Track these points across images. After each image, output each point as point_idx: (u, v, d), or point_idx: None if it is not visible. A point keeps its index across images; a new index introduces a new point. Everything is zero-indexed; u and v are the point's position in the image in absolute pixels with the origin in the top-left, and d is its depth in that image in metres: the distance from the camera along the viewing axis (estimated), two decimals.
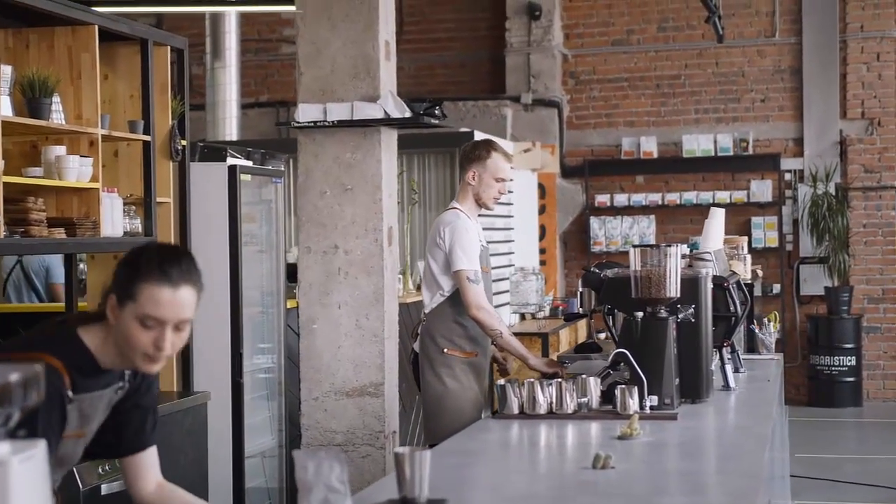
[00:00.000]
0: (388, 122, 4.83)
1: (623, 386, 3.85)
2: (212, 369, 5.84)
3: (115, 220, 5.02)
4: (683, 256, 4.56)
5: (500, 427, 3.80)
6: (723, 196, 11.43)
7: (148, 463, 2.72)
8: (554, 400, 3.87)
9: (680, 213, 11.66)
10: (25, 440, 1.72)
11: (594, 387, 3.93)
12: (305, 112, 4.85)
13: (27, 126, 4.72)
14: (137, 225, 5.27)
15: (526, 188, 10.61)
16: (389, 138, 4.99)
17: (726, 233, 6.11)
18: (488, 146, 5.00)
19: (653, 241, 11.29)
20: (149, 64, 5.39)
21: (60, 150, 4.85)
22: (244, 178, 6.00)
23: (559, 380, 3.94)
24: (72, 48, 5.01)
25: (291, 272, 5.92)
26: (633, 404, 3.81)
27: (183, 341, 2.50)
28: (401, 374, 5.19)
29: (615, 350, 4.02)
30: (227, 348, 5.89)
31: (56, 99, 4.82)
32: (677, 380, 3.99)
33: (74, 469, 4.17)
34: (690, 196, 11.56)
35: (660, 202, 11.63)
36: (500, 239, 9.28)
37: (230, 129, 10.55)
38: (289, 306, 6.43)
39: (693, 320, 4.15)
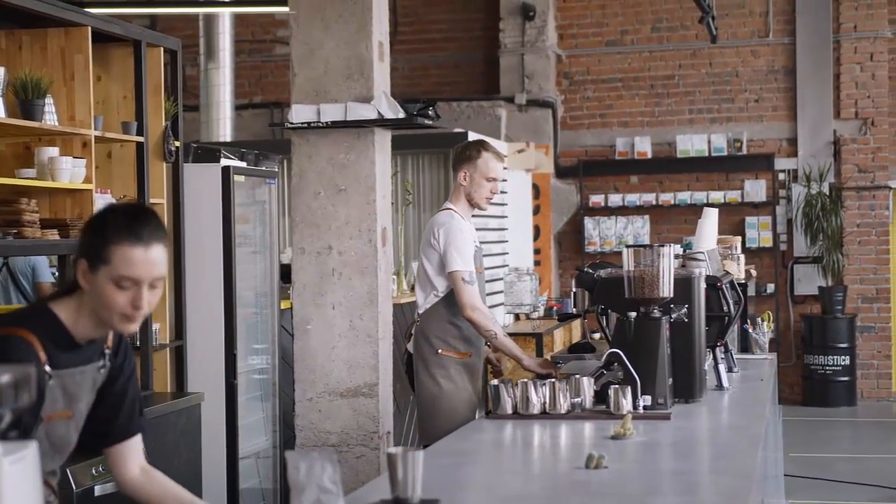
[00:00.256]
0: (381, 122, 4.83)
1: (616, 386, 3.86)
2: (206, 370, 5.84)
3: None
4: (677, 256, 4.57)
5: (494, 427, 3.80)
6: (717, 196, 11.44)
7: (134, 448, 2.73)
8: (547, 400, 3.87)
9: (674, 214, 11.67)
10: (17, 441, 1.72)
11: (588, 387, 3.93)
12: (299, 113, 4.85)
13: (20, 127, 4.72)
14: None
15: (520, 188, 10.62)
16: (383, 139, 4.99)
17: (720, 233, 6.12)
18: (479, 146, 5.01)
19: (647, 242, 11.29)
20: (142, 65, 5.39)
21: (53, 151, 4.84)
22: (238, 179, 6.00)
23: (553, 380, 3.94)
24: (65, 49, 5.00)
25: (285, 273, 5.93)
26: (627, 404, 3.81)
27: (157, 298, 2.51)
28: (395, 374, 5.19)
29: (608, 350, 4.02)
30: (220, 349, 5.89)
31: (49, 100, 4.82)
32: (670, 380, 3.99)
33: (68, 470, 4.17)
34: (684, 196, 11.57)
35: (654, 202, 11.64)
36: (495, 239, 9.29)
37: (224, 130, 10.55)
38: (283, 307, 6.43)
39: (686, 320, 4.16)
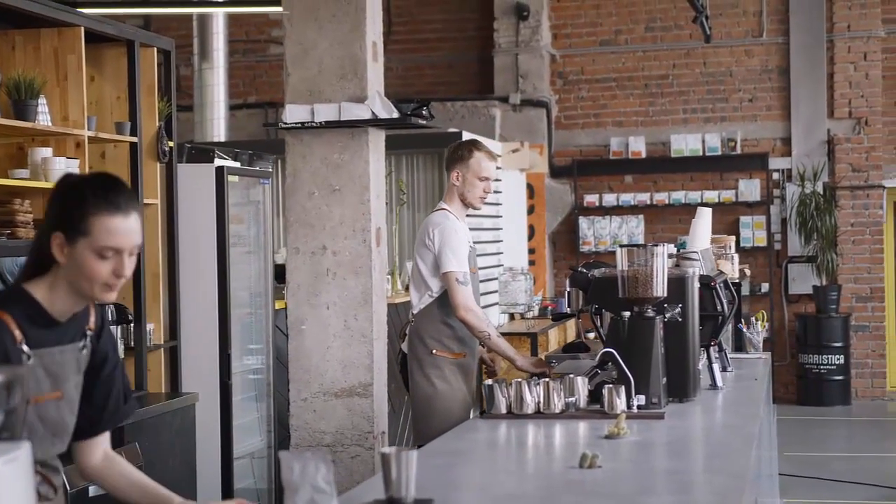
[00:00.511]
0: (375, 122, 4.83)
1: (610, 385, 3.86)
2: (200, 370, 5.84)
3: None
4: (670, 256, 4.57)
5: (488, 427, 3.80)
6: (711, 196, 11.45)
7: (105, 436, 2.73)
8: (541, 399, 3.87)
9: (668, 213, 11.68)
10: (9, 442, 1.71)
11: (582, 386, 3.93)
12: (293, 113, 4.85)
13: (13, 128, 4.72)
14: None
15: (514, 188, 10.62)
16: (377, 139, 4.99)
17: (715, 232, 6.13)
18: (470, 146, 5.01)
19: (642, 241, 11.30)
20: (135, 65, 5.39)
21: (47, 151, 4.84)
22: (232, 179, 5.99)
23: (547, 379, 3.95)
24: (58, 50, 5.00)
25: (280, 273, 5.92)
26: (621, 404, 3.82)
27: (133, 265, 2.52)
28: (389, 374, 5.19)
29: (603, 350, 4.02)
30: (215, 349, 5.89)
31: (42, 101, 4.81)
32: (664, 379, 3.99)
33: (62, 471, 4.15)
34: (679, 196, 11.58)
35: (648, 202, 11.65)
36: (489, 239, 9.29)
37: (218, 130, 10.54)
38: (277, 307, 6.43)
39: (680, 320, 4.16)
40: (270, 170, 7.01)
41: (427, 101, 5.06)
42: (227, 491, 5.91)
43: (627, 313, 4.00)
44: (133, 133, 5.36)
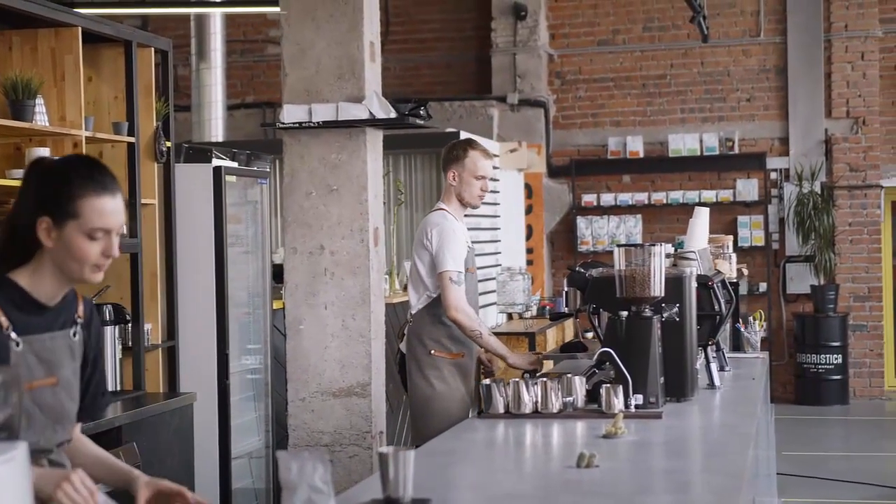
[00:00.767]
0: (373, 122, 4.83)
1: (608, 385, 3.86)
2: (198, 370, 5.83)
3: None
4: (668, 256, 4.57)
5: (486, 426, 3.80)
6: (709, 195, 11.45)
7: (77, 425, 2.74)
8: (539, 399, 3.87)
9: (666, 213, 11.68)
10: (6, 442, 1.72)
11: (579, 386, 3.93)
12: (290, 113, 4.85)
13: (11, 128, 4.71)
14: (123, 229, 5.25)
15: (512, 188, 10.62)
16: (375, 139, 4.99)
17: (713, 232, 6.13)
18: (465, 145, 5.02)
19: (639, 241, 11.30)
20: (133, 65, 5.38)
21: (44, 152, 4.84)
22: (229, 179, 5.99)
23: (545, 379, 3.94)
24: (55, 50, 5.00)
25: (277, 273, 5.92)
26: (618, 403, 3.82)
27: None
28: (387, 374, 5.19)
29: (600, 349, 4.02)
30: (213, 349, 5.89)
31: (40, 101, 4.81)
32: (662, 379, 4.00)
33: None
34: (677, 195, 11.58)
35: (646, 202, 11.65)
36: (487, 239, 9.29)
37: (216, 130, 10.54)
38: (275, 307, 6.43)
39: (677, 319, 4.16)
40: (268, 170, 7.00)
41: (425, 101, 5.06)
42: (225, 491, 5.91)
43: (625, 313, 4.00)
44: (130, 133, 5.36)
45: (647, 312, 4.01)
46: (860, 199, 11.46)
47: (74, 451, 2.73)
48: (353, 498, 2.68)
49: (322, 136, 4.88)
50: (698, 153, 11.61)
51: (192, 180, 5.87)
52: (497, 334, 8.08)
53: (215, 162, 6.06)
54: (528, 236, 11.22)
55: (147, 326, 5.51)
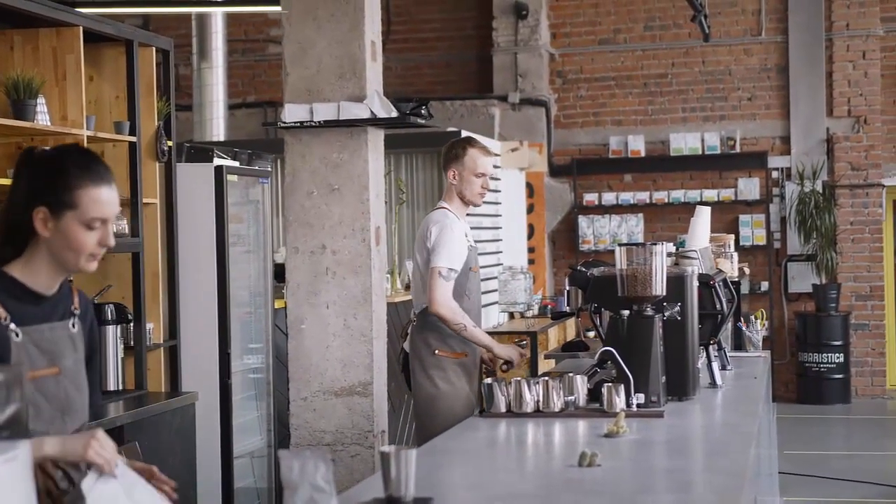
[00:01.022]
0: (374, 122, 4.83)
1: (610, 384, 3.86)
2: (200, 369, 5.84)
3: None
4: (669, 255, 4.57)
5: (487, 425, 3.80)
6: (710, 194, 11.45)
7: None
8: (541, 398, 3.87)
9: (668, 212, 11.68)
10: (8, 441, 1.72)
11: (581, 385, 3.93)
12: (292, 112, 4.85)
13: (12, 128, 4.72)
14: (124, 226, 5.26)
15: (514, 187, 10.62)
16: (376, 138, 4.99)
17: (714, 231, 6.12)
18: (465, 143, 5.01)
19: (641, 240, 11.30)
20: (134, 65, 5.38)
21: None
22: (231, 178, 5.99)
23: (546, 378, 3.94)
24: (56, 49, 5.00)
25: (279, 272, 5.92)
26: (620, 402, 3.82)
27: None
28: (389, 373, 5.19)
29: (602, 348, 4.02)
30: (215, 348, 5.89)
31: (41, 100, 4.81)
32: (664, 378, 4.00)
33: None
34: (678, 194, 11.58)
35: (648, 201, 11.65)
36: (489, 238, 9.29)
37: (217, 129, 10.54)
38: (277, 306, 6.43)
39: (679, 318, 4.16)
40: (269, 169, 7.01)
41: (426, 100, 5.07)
42: (228, 490, 5.92)
43: (627, 312, 4.00)
44: (132, 133, 5.36)
45: (649, 311, 4.01)
46: (862, 198, 11.46)
47: None
48: (355, 497, 2.68)
49: (323, 135, 4.88)
50: (700, 152, 11.61)
51: (194, 180, 5.87)
52: (498, 333, 8.11)
53: (217, 161, 6.06)
54: (530, 235, 11.22)
55: (149, 326, 5.51)
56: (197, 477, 5.46)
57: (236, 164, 6.42)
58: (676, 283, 4.15)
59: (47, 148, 2.64)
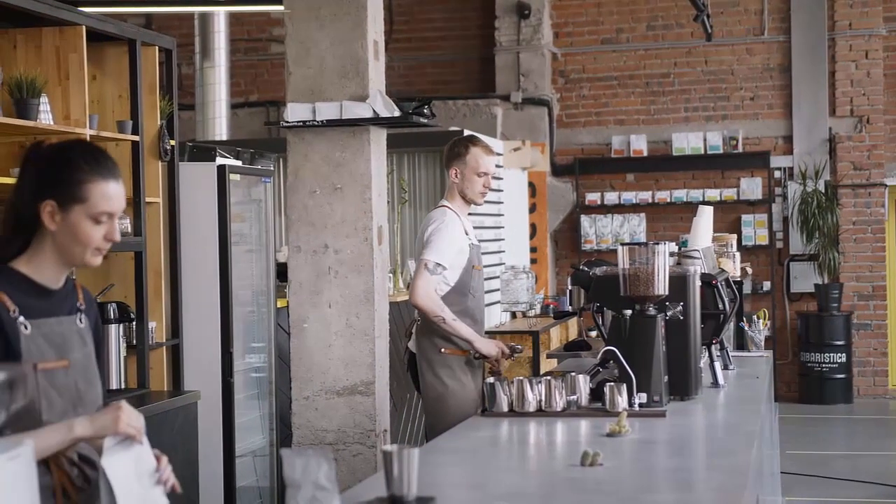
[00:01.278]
0: (377, 121, 4.83)
1: (612, 383, 3.86)
2: (202, 368, 5.84)
3: None
4: (672, 254, 4.57)
5: (490, 425, 3.80)
6: (713, 194, 11.44)
7: None
8: (543, 398, 3.87)
9: (670, 211, 11.67)
10: (12, 439, 1.72)
11: (583, 384, 3.93)
12: (294, 112, 4.85)
13: (15, 127, 4.72)
14: (127, 225, 5.27)
15: (516, 187, 10.62)
16: (379, 137, 4.99)
17: (716, 230, 6.12)
18: (467, 142, 5.01)
19: (643, 240, 11.30)
20: (137, 64, 5.39)
21: None
22: (234, 177, 6.00)
23: (549, 378, 3.93)
24: (59, 48, 5.00)
25: (282, 271, 5.93)
26: (622, 402, 3.82)
27: None
28: (391, 372, 5.19)
29: (604, 348, 4.02)
30: (217, 347, 5.90)
31: (44, 99, 4.82)
32: (666, 377, 4.00)
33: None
34: (681, 194, 11.58)
35: (650, 200, 11.64)
36: (491, 237, 9.29)
37: (220, 128, 10.54)
38: (279, 305, 6.43)
39: (681, 318, 4.16)
40: (272, 168, 7.01)
41: (428, 99, 5.06)
42: (229, 489, 5.92)
43: (629, 311, 4.00)
44: (135, 132, 5.37)
45: (651, 311, 4.01)
46: (864, 198, 11.45)
47: None
48: (358, 496, 2.68)
49: (326, 134, 4.88)
50: (702, 152, 11.61)
51: (196, 179, 5.87)
52: (500, 333, 8.11)
53: (219, 160, 6.06)
54: (532, 235, 11.21)
55: (151, 325, 5.51)
56: (199, 475, 5.46)
57: (239, 163, 6.42)
58: (679, 282, 4.15)
59: (55, 142, 2.65)
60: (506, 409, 3.89)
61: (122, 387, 5.19)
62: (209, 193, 5.87)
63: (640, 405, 3.88)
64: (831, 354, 11.06)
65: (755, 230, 11.47)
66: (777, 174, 11.58)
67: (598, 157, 11.90)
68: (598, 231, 11.73)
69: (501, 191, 9.57)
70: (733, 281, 5.23)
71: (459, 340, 4.87)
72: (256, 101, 12.37)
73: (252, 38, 12.58)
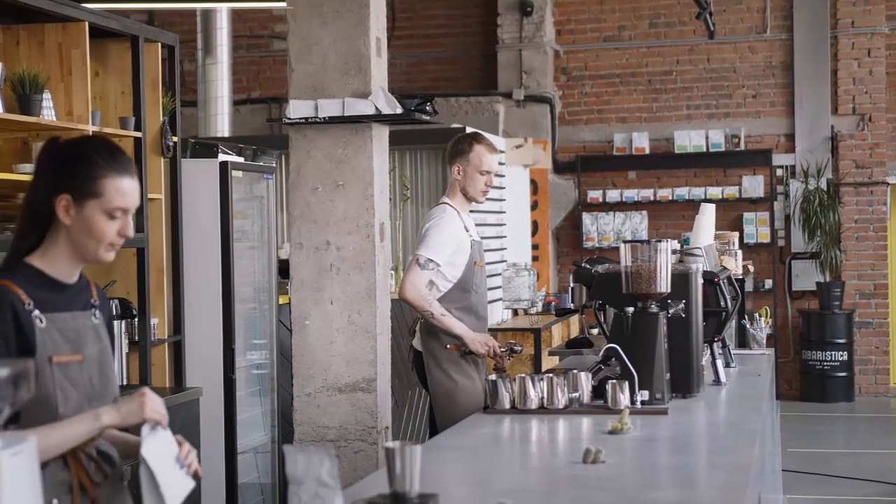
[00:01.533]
0: (379, 118, 4.83)
1: (614, 381, 3.86)
2: (204, 365, 5.84)
3: None
4: (674, 252, 4.57)
5: (492, 422, 3.80)
6: (715, 192, 11.44)
7: None
8: (545, 395, 3.87)
9: (672, 209, 11.67)
10: (16, 434, 1.72)
11: (585, 382, 3.93)
12: (297, 108, 4.85)
13: (18, 123, 4.72)
14: None
15: (518, 184, 10.61)
16: (381, 134, 4.99)
17: (718, 228, 6.12)
18: (470, 140, 5.01)
19: (645, 237, 11.30)
20: (139, 60, 5.39)
21: None
22: (236, 174, 6.00)
23: (551, 375, 3.94)
24: (62, 45, 5.01)
25: (283, 268, 5.93)
26: (624, 399, 3.82)
27: None
28: (393, 369, 5.19)
29: (606, 345, 4.02)
30: (219, 344, 5.90)
31: (47, 95, 4.82)
32: (668, 375, 4.00)
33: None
34: (682, 192, 11.57)
35: (652, 198, 11.64)
36: (493, 235, 9.29)
37: (222, 125, 10.54)
38: (281, 302, 6.44)
39: (683, 315, 4.16)
40: (274, 165, 7.01)
41: (430, 96, 5.06)
42: (231, 485, 5.92)
43: (631, 309, 4.00)
44: (137, 128, 5.37)
45: (653, 308, 4.01)
46: (866, 196, 11.45)
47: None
48: (360, 493, 2.68)
49: (328, 131, 4.88)
50: (704, 150, 11.60)
51: (199, 175, 5.87)
52: (502, 330, 8.11)
53: (221, 157, 6.07)
54: (534, 232, 11.21)
55: (153, 321, 5.52)
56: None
57: (241, 159, 6.43)
58: (681, 280, 4.15)
59: (72, 137, 2.66)
60: (508, 406, 3.89)
61: (125, 383, 5.19)
62: (211, 190, 5.87)
63: (642, 402, 3.89)
64: (833, 352, 11.06)
65: (757, 228, 11.47)
66: (779, 172, 11.58)
67: (600, 154, 11.90)
68: (599, 228, 11.73)
69: (503, 188, 9.56)
70: (735, 279, 5.23)
71: (446, 337, 4.86)
72: (259, 97, 12.37)
73: (254, 35, 12.58)
